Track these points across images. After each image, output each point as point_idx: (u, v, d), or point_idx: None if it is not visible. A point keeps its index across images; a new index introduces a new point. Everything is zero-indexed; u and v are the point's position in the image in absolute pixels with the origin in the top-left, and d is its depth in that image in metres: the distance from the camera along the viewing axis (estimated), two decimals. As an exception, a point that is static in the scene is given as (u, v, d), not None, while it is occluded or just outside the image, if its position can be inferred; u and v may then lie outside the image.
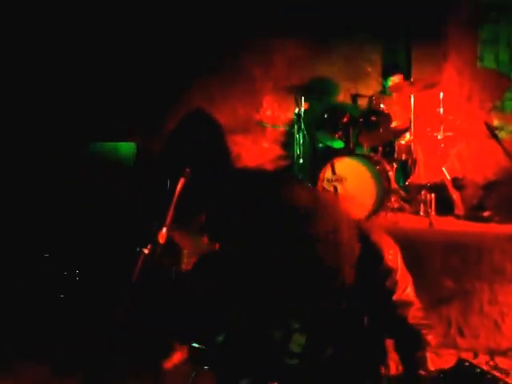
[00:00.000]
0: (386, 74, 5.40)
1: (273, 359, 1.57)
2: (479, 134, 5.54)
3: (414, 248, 3.98)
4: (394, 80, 5.25)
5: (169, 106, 5.83)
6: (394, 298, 1.60)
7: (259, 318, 1.58)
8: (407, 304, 1.61)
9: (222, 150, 3.46)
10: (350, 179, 4.57)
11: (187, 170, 1.94)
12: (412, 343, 1.56)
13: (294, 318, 1.57)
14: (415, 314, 1.62)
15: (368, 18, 5.92)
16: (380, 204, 4.59)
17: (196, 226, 3.26)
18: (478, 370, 1.43)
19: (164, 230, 1.81)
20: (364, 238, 1.54)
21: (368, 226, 1.65)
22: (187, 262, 3.24)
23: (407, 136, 4.98)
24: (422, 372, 1.52)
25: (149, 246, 1.74)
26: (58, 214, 4.21)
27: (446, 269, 3.79)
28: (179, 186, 1.93)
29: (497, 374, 1.46)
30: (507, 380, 1.42)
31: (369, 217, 4.57)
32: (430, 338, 1.59)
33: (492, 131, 3.97)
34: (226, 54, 6.20)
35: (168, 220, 1.86)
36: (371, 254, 1.56)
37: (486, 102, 5.66)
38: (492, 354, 3.51)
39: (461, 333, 3.75)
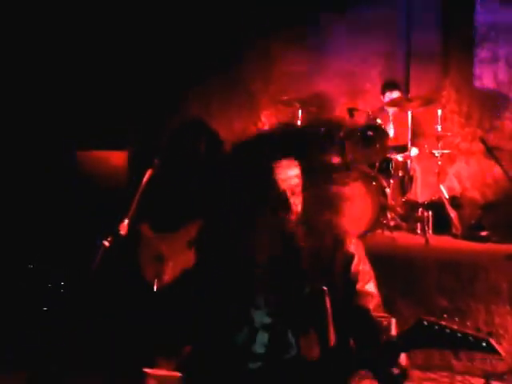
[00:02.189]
0: (384, 90, 5.36)
1: (236, 365, 1.56)
2: (478, 153, 5.50)
3: (409, 265, 3.92)
4: (392, 95, 5.21)
5: (166, 117, 5.80)
6: (357, 287, 1.62)
7: (224, 316, 1.60)
8: (369, 296, 1.63)
9: (220, 159, 3.40)
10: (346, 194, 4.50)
11: (156, 161, 1.87)
12: (375, 337, 1.54)
13: (257, 309, 1.59)
14: (377, 308, 1.63)
15: (367, 35, 5.93)
16: (376, 220, 4.50)
17: (186, 238, 3.18)
18: (437, 327, 1.36)
19: (126, 221, 1.74)
20: (328, 223, 1.64)
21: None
22: (171, 275, 3.16)
23: (414, 150, 4.92)
24: (395, 370, 1.46)
25: (109, 238, 1.67)
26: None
27: (441, 287, 3.71)
28: (146, 177, 1.86)
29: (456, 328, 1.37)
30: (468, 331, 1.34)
31: (365, 233, 4.49)
32: (392, 329, 1.60)
33: (488, 147, 3.91)
34: (224, 66, 6.19)
35: (131, 211, 1.79)
36: (333, 239, 1.64)
37: (485, 121, 5.63)
38: (488, 377, 3.40)
39: (456, 355, 3.64)
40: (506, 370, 3.42)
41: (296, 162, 1.62)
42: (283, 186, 1.58)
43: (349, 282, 1.62)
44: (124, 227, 1.67)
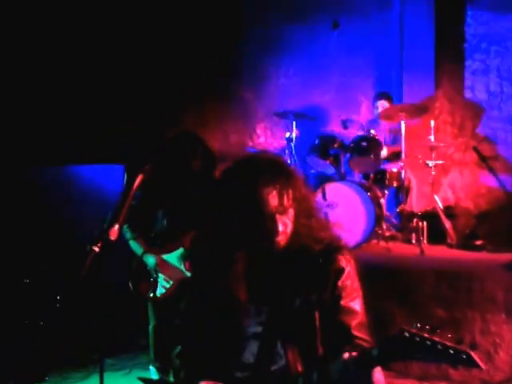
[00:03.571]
0: (375, 101, 5.42)
1: (224, 374, 1.55)
2: (471, 163, 5.54)
3: (405, 275, 3.93)
4: (383, 104, 5.26)
5: (161, 130, 5.81)
6: (341, 303, 1.59)
7: (215, 323, 1.60)
8: (352, 314, 1.59)
9: (213, 174, 3.40)
10: (341, 205, 4.52)
11: (147, 167, 1.87)
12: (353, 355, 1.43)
13: (248, 317, 1.58)
14: (360, 328, 1.58)
15: (360, 47, 6.00)
16: (371, 231, 4.52)
17: (179, 251, 3.18)
18: (418, 339, 1.30)
19: (116, 226, 1.73)
20: (321, 238, 1.63)
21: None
22: (165, 287, 3.14)
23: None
24: None
25: (99, 244, 1.65)
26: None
27: (437, 297, 3.71)
28: (136, 183, 1.85)
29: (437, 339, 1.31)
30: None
31: (360, 244, 4.51)
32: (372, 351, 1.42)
33: (481, 156, 3.95)
34: (219, 80, 6.23)
35: (121, 217, 1.78)
36: (324, 257, 1.62)
37: (477, 132, 5.68)
38: (485, 386, 3.39)
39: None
40: (504, 379, 3.41)
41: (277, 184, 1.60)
42: (268, 207, 1.57)
43: (334, 296, 1.59)
44: (114, 232, 1.66)
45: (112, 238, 1.71)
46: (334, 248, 1.65)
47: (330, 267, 1.61)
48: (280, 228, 1.58)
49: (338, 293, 1.59)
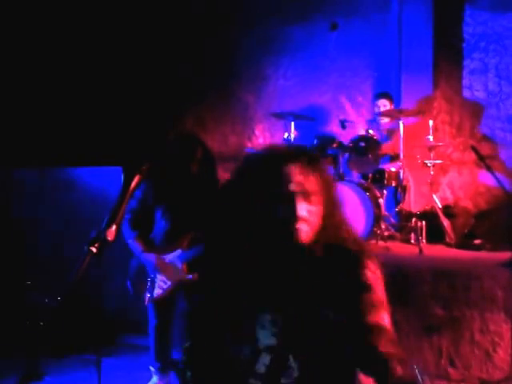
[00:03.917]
0: (375, 101, 5.42)
1: (238, 381, 1.46)
2: (470, 163, 5.54)
3: (403, 275, 3.92)
4: (384, 104, 5.26)
5: (160, 132, 5.82)
6: (369, 319, 1.38)
7: (227, 332, 1.48)
8: (380, 330, 1.38)
9: (213, 176, 3.41)
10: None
11: (144, 167, 1.88)
12: (379, 374, 1.33)
13: (262, 328, 1.45)
14: (387, 344, 1.37)
15: (359, 48, 6.01)
16: (370, 231, 4.52)
17: (177, 251, 3.19)
18: None
19: (114, 227, 1.73)
20: (347, 249, 1.45)
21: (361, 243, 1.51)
22: (162, 288, 3.15)
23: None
24: None
25: (96, 245, 1.66)
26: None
27: (436, 296, 3.71)
28: (134, 183, 1.86)
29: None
30: None
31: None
32: (398, 369, 1.32)
33: (480, 155, 3.94)
34: (218, 82, 6.25)
35: (119, 217, 1.78)
36: (351, 264, 1.43)
37: (476, 131, 5.68)
38: (484, 385, 3.39)
39: (452, 363, 3.64)
40: (503, 378, 3.41)
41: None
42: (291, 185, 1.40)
43: (358, 311, 1.38)
44: (112, 233, 1.67)
45: (109, 239, 1.71)
46: (362, 252, 1.45)
47: (359, 275, 1.42)
48: (302, 212, 1.40)
49: (364, 306, 1.39)
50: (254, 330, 1.45)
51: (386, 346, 1.35)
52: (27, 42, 5.26)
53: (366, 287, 1.41)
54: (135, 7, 5.89)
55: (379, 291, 1.43)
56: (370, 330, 1.37)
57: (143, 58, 5.96)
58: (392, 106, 5.32)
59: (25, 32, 5.24)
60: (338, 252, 1.44)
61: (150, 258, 3.17)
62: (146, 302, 3.18)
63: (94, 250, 1.64)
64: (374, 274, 1.43)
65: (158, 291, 3.15)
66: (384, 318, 1.40)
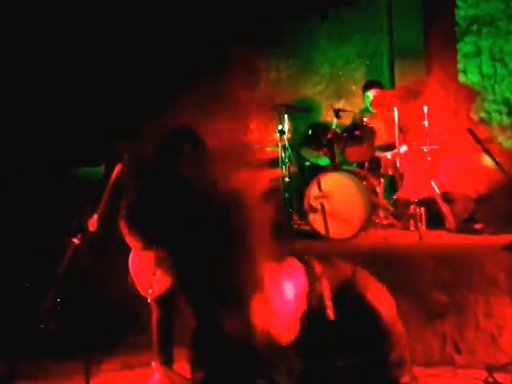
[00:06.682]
0: (365, 91, 5.35)
1: None
2: (467, 147, 5.48)
3: (404, 262, 3.88)
4: (374, 94, 5.20)
5: (154, 129, 5.78)
6: (390, 358, 1.28)
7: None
8: (401, 365, 1.30)
9: (207, 172, 3.35)
10: (337, 195, 4.47)
11: (125, 156, 1.83)
12: None
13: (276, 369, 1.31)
14: (405, 375, 1.30)
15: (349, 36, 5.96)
16: (369, 219, 4.48)
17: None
18: None
19: (95, 216, 1.69)
20: (359, 297, 1.29)
21: (363, 282, 1.34)
22: (160, 285, 3.12)
23: (403, 147, 4.89)
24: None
25: (78, 236, 1.62)
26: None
27: (439, 282, 3.67)
28: (115, 172, 1.81)
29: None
30: None
31: (358, 233, 4.46)
32: None
33: (476, 138, 3.89)
34: (211, 76, 6.20)
35: (101, 207, 1.74)
36: (366, 314, 1.28)
37: (472, 115, 5.63)
38: (491, 369, 3.34)
39: (457, 349, 3.61)
40: (509, 362, 3.36)
41: None
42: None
43: (381, 352, 1.28)
44: (93, 223, 1.63)
45: (91, 229, 1.67)
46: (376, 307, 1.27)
47: (375, 330, 1.27)
48: None
49: (385, 349, 1.27)
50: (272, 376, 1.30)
51: (404, 375, 1.28)
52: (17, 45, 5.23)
53: (384, 334, 1.26)
54: (133, 11, 5.87)
55: (396, 327, 1.30)
56: (392, 368, 1.28)
57: (137, 55, 5.93)
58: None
59: (25, 32, 5.22)
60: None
61: (150, 254, 3.14)
62: (149, 299, 3.16)
63: (76, 241, 1.60)
64: (389, 317, 1.29)
65: (159, 287, 3.13)
66: (403, 351, 1.30)
